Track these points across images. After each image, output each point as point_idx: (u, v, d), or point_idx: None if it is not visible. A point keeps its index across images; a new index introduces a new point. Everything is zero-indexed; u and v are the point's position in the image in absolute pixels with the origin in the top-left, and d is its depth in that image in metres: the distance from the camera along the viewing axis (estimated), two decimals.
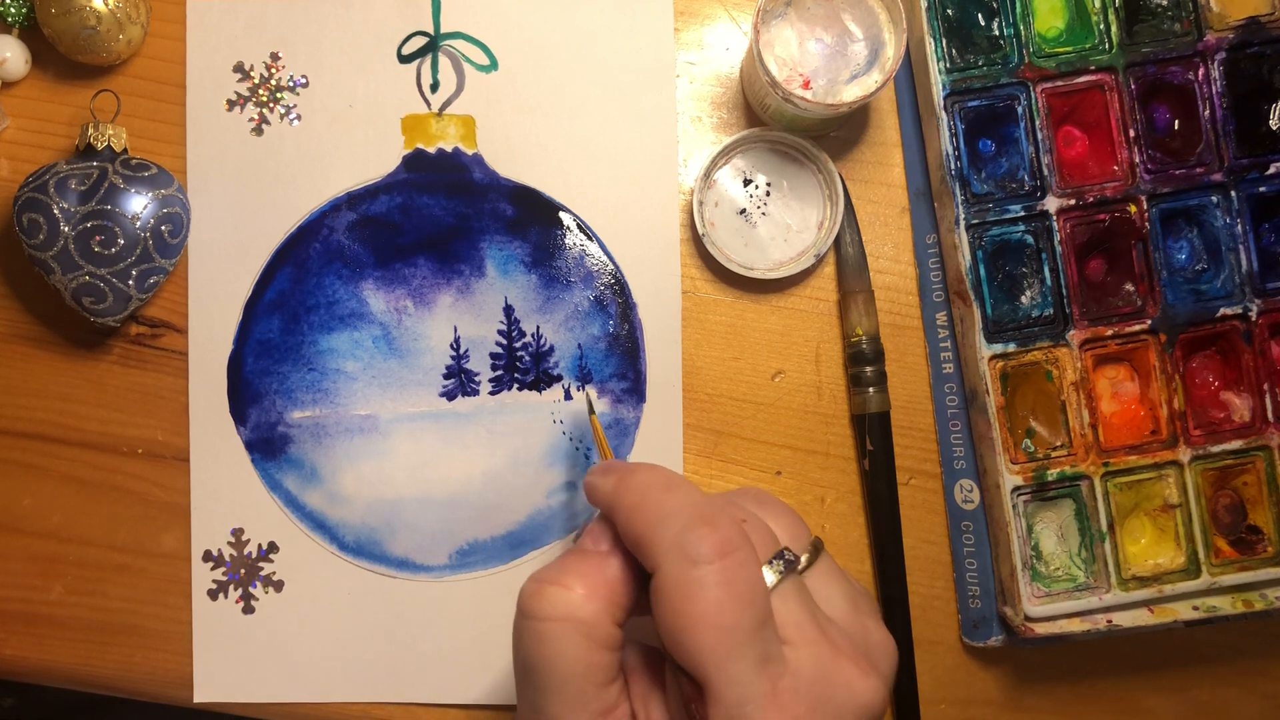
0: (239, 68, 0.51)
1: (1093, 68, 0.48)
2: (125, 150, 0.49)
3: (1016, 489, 0.48)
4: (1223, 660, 0.51)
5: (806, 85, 0.46)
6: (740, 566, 0.33)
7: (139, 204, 0.47)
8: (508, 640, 0.50)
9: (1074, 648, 0.51)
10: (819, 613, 0.34)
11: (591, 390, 0.50)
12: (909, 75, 0.51)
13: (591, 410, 0.48)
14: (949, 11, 0.49)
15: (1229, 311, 0.49)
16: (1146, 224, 0.49)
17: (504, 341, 0.51)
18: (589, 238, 0.51)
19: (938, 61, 0.48)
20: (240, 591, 0.50)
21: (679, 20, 0.52)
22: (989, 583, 0.50)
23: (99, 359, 0.51)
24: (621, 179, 0.51)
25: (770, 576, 0.34)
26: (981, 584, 0.50)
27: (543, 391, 0.51)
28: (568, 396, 0.51)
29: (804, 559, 0.36)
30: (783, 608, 0.33)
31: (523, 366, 0.51)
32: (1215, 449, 0.48)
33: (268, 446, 0.50)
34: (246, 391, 0.50)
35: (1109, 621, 0.48)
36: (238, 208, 0.51)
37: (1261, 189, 0.48)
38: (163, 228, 0.47)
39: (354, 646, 0.50)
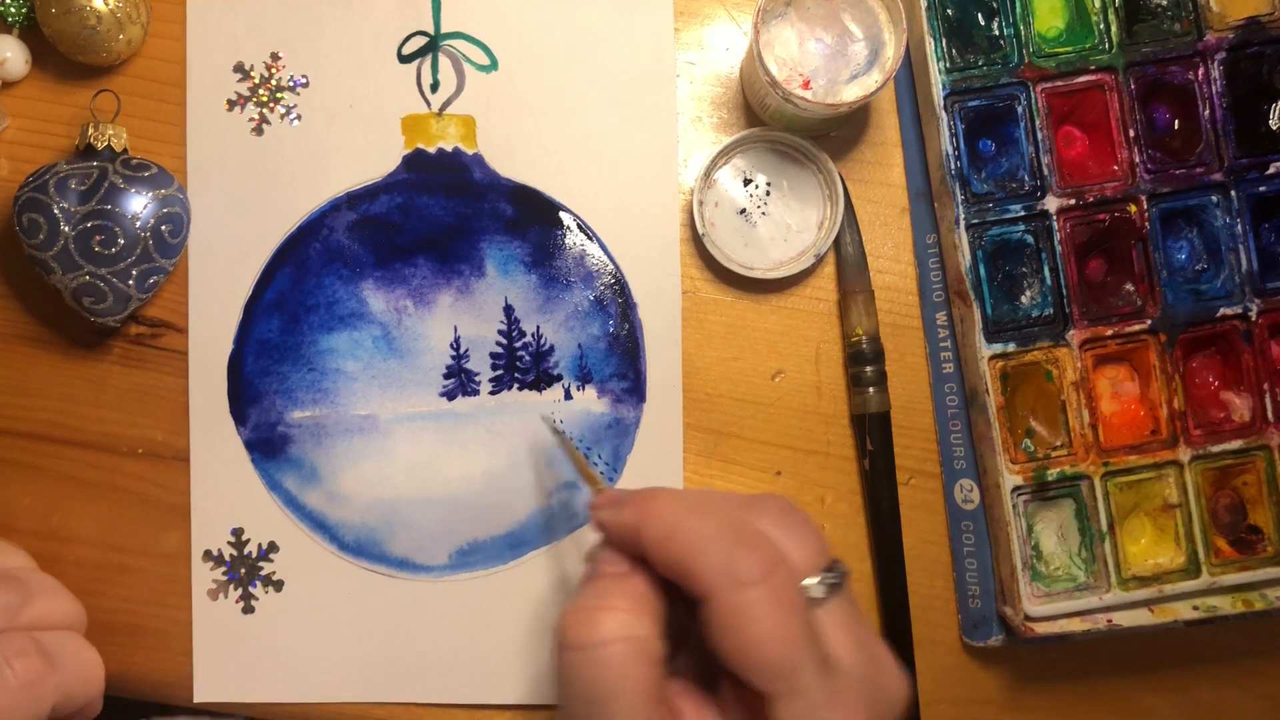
0: (239, 68, 0.51)
1: (1093, 68, 0.48)
2: (125, 150, 0.49)
3: (1016, 489, 0.48)
4: (1223, 660, 0.51)
5: (806, 85, 0.46)
6: (787, 579, 0.34)
7: (139, 204, 0.47)
8: (507, 640, 0.50)
9: (1074, 648, 0.51)
10: (857, 617, 0.36)
11: (554, 415, 0.50)
12: (909, 75, 0.51)
13: (558, 431, 0.47)
14: (949, 11, 0.49)
15: (1229, 311, 0.49)
16: (1146, 224, 0.49)
17: (504, 341, 0.51)
18: (589, 238, 0.51)
19: (938, 61, 0.48)
20: (240, 591, 0.50)
21: (679, 20, 0.52)
22: (989, 583, 0.50)
23: (99, 359, 0.51)
24: (621, 179, 0.51)
25: (819, 591, 0.35)
26: (981, 584, 0.50)
27: (543, 391, 0.50)
28: (568, 396, 0.51)
29: (846, 574, 0.37)
30: (828, 618, 0.35)
31: (523, 366, 0.51)
32: (1215, 449, 0.48)
33: (268, 446, 0.50)
34: (246, 391, 0.50)
35: (1109, 621, 0.48)
36: (238, 208, 0.50)
37: (1261, 189, 0.48)
38: (163, 228, 0.47)
39: (354, 646, 0.50)
